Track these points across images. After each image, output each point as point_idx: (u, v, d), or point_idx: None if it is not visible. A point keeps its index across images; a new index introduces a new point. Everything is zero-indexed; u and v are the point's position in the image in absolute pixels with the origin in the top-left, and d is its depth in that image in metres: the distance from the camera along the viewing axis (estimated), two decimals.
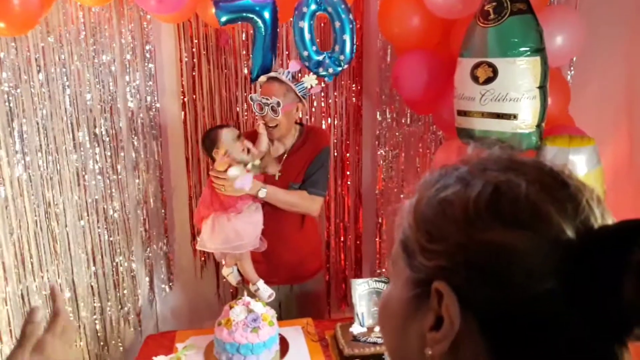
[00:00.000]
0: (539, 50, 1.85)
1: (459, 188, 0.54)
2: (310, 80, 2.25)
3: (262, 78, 2.27)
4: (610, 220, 0.52)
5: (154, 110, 2.99)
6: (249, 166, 2.17)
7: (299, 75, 2.45)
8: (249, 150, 2.20)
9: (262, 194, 2.20)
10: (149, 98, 2.96)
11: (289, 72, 2.23)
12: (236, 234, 2.19)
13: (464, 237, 0.51)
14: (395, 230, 0.61)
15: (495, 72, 1.88)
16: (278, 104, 2.18)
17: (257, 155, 2.22)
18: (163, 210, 3.14)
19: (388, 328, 0.62)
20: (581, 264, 0.47)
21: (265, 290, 2.27)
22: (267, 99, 2.19)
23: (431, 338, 0.53)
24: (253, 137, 2.31)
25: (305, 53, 2.28)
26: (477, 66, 1.91)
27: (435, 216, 0.54)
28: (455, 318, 0.50)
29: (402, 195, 3.17)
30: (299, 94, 2.23)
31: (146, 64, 2.91)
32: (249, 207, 2.23)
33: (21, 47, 2.53)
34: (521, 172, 0.52)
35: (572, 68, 2.30)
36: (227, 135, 2.17)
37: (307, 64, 2.30)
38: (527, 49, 1.83)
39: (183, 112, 3.03)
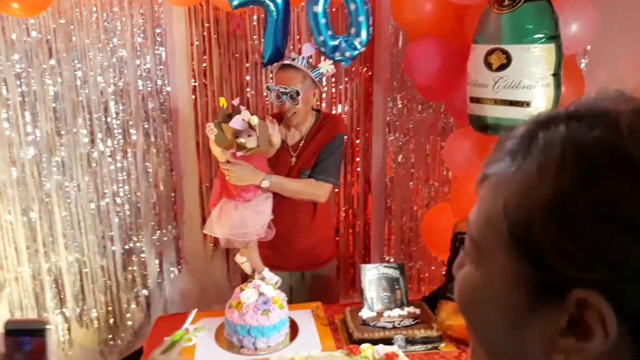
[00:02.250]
0: (554, 37, 1.83)
1: (628, 182, 0.41)
2: (326, 66, 2.22)
3: (276, 65, 2.24)
4: None
5: (164, 93, 2.99)
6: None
7: (312, 60, 2.43)
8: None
9: (265, 184, 2.15)
10: (159, 82, 2.96)
11: (304, 57, 2.20)
12: (241, 222, 2.16)
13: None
14: (478, 204, 0.51)
15: (509, 58, 1.87)
16: (297, 93, 2.15)
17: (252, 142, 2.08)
18: (173, 194, 3.15)
19: (484, 321, 0.52)
20: None
21: (271, 279, 2.25)
22: (285, 88, 2.16)
23: (567, 345, 0.44)
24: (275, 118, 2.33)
25: (321, 38, 2.21)
26: (490, 53, 1.90)
27: (589, 219, 0.42)
28: (611, 332, 0.42)
29: (410, 183, 3.17)
30: (315, 80, 2.22)
31: (157, 47, 2.91)
32: (259, 196, 2.20)
33: (33, 29, 2.53)
34: None
35: (586, 56, 2.28)
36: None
37: (323, 49, 2.24)
38: (542, 35, 1.82)
39: (193, 96, 3.04)
